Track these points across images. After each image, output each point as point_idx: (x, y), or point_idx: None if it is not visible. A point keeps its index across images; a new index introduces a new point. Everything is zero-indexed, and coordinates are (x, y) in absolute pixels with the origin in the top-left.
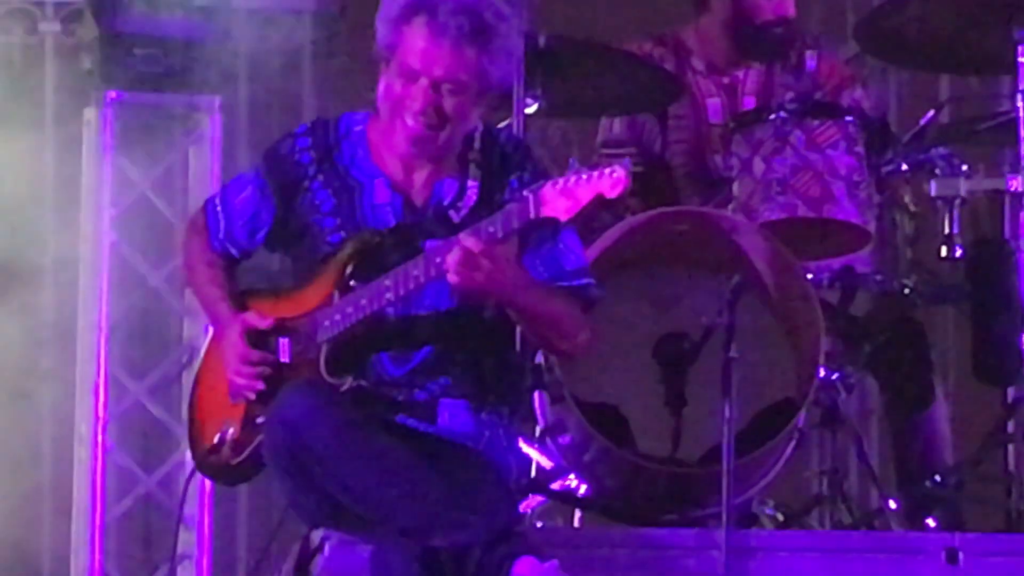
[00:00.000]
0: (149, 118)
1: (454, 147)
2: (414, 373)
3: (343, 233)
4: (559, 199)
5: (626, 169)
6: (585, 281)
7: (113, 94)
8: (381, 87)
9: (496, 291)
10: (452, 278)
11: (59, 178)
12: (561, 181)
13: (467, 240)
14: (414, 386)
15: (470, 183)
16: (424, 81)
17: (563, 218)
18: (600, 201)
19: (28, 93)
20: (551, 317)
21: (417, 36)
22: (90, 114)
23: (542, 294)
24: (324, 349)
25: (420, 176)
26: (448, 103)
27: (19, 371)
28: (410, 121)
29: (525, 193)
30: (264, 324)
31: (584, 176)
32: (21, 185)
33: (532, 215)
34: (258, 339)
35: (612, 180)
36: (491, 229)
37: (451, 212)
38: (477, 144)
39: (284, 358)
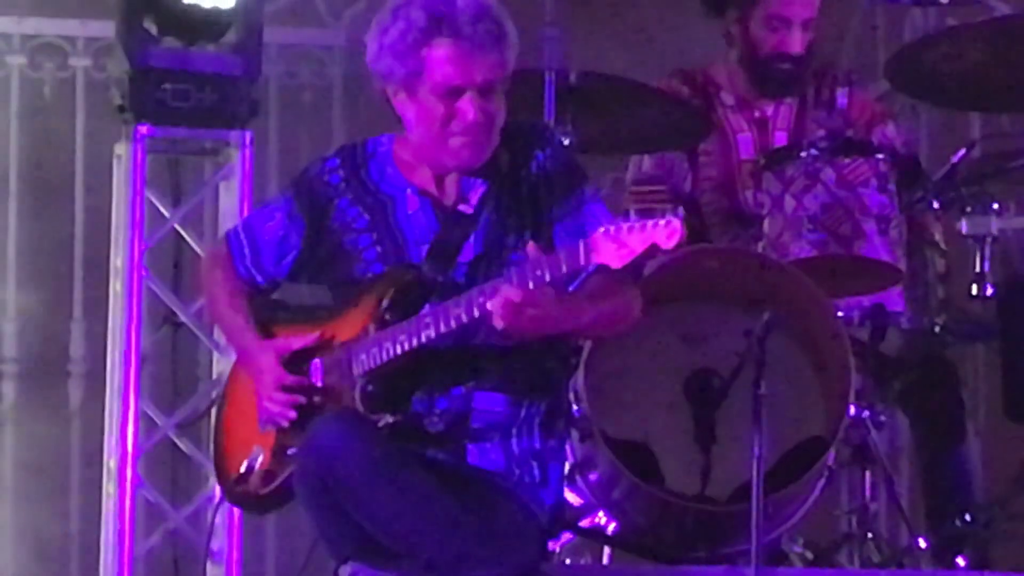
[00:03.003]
0: (179, 153)
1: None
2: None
3: (379, 248)
4: (611, 246)
5: (681, 219)
6: None
7: (144, 129)
8: (412, 114)
9: (543, 330)
10: (498, 323)
11: (89, 212)
12: (613, 229)
13: (509, 291)
14: (447, 384)
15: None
16: (470, 92)
17: (616, 265)
18: (655, 251)
19: (59, 127)
20: (598, 321)
21: (445, 54)
22: (120, 149)
23: (585, 306)
24: (360, 383)
25: (451, 179)
26: (491, 105)
27: (49, 406)
28: (463, 136)
29: (576, 241)
30: (298, 344)
31: (638, 225)
32: (51, 219)
33: (582, 262)
34: (291, 365)
35: (668, 230)
36: (538, 272)
37: (465, 209)
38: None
39: (317, 380)
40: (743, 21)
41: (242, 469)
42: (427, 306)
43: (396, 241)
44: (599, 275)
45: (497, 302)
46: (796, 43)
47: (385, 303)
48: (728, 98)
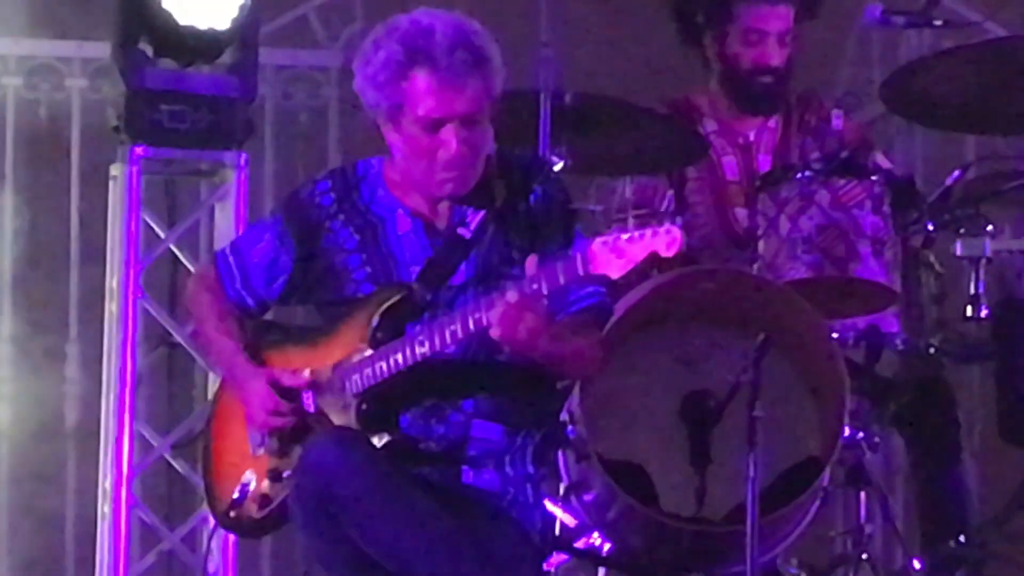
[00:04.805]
0: (175, 173)
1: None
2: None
3: (368, 268)
4: (609, 256)
5: (680, 228)
6: (598, 298)
7: (139, 150)
8: (400, 143)
9: (533, 345)
10: (495, 333)
11: (85, 233)
12: (611, 239)
13: (511, 297)
14: (446, 409)
15: (495, 196)
16: (451, 124)
17: (615, 275)
18: (655, 260)
19: (55, 148)
20: (571, 356)
21: (424, 87)
22: (116, 170)
23: (566, 334)
24: (355, 403)
25: (443, 206)
26: (475, 134)
27: (44, 426)
28: (448, 171)
29: (573, 252)
30: (297, 383)
31: (637, 234)
32: (47, 240)
33: (580, 272)
34: (283, 392)
35: (668, 239)
36: (535, 286)
37: (464, 233)
38: (494, 162)
39: (309, 408)
40: (720, 40)
41: (235, 495)
42: (418, 326)
43: (386, 261)
44: (573, 314)
45: (498, 309)
46: (775, 55)
47: (375, 322)
48: (711, 124)
